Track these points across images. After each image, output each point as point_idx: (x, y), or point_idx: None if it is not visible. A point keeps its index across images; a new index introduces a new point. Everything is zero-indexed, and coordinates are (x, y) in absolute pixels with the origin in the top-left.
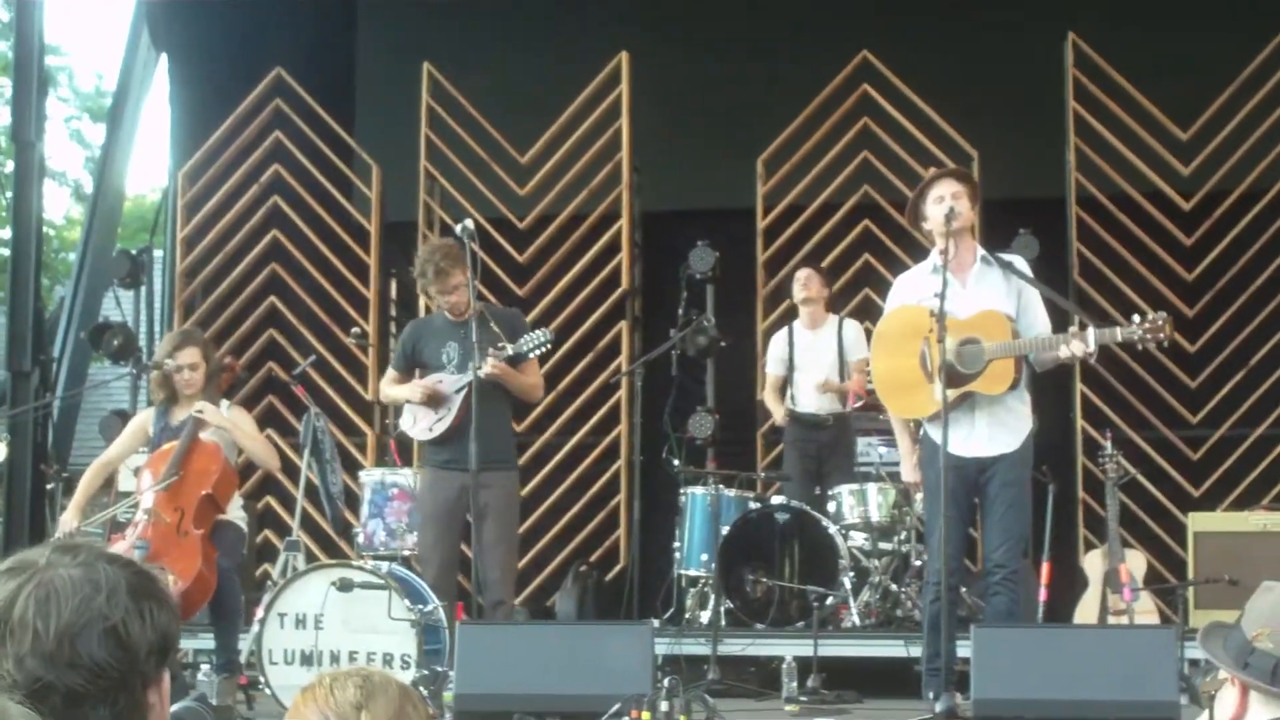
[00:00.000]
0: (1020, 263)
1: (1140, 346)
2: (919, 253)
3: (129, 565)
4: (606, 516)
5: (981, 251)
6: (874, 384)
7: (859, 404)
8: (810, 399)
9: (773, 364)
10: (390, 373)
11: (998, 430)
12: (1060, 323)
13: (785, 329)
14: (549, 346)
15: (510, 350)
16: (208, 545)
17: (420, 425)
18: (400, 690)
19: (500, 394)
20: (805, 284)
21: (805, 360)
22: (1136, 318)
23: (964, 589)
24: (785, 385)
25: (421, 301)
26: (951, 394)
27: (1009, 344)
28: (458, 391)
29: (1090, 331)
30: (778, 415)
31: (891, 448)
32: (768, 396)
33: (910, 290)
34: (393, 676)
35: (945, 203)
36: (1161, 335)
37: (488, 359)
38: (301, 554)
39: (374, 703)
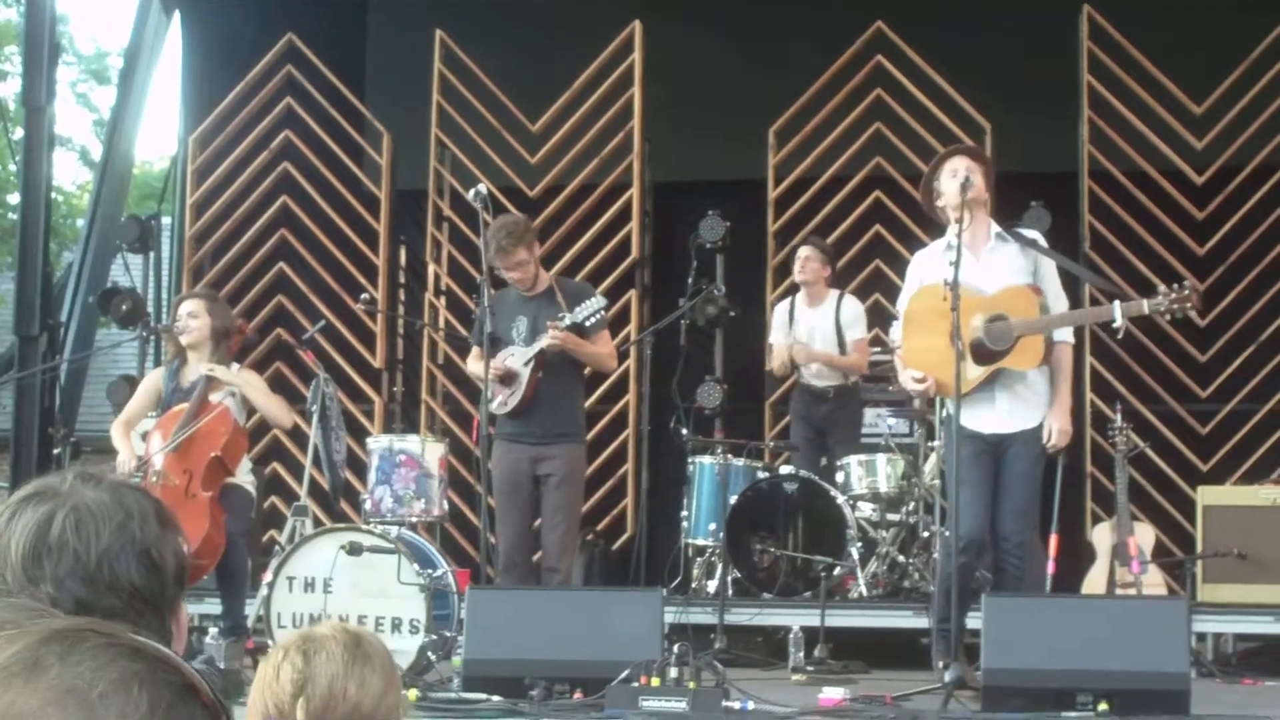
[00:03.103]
0: (1039, 239)
1: (1169, 316)
2: (929, 225)
3: (149, 494)
4: (614, 485)
5: (996, 229)
6: (909, 364)
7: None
8: (812, 371)
9: (774, 332)
10: (474, 349)
11: (1017, 406)
12: (1074, 296)
13: (788, 300)
14: (603, 312)
15: (568, 320)
16: (216, 508)
17: (496, 400)
18: (349, 668)
19: (569, 367)
20: (803, 266)
21: (804, 335)
22: (1163, 288)
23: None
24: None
25: (431, 270)
26: (983, 371)
27: (1037, 320)
28: (525, 364)
29: (1117, 305)
30: (775, 363)
31: (900, 419)
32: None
33: (927, 267)
34: (347, 646)
35: (960, 174)
36: (1189, 304)
37: (547, 332)
38: (309, 519)
39: (312, 685)
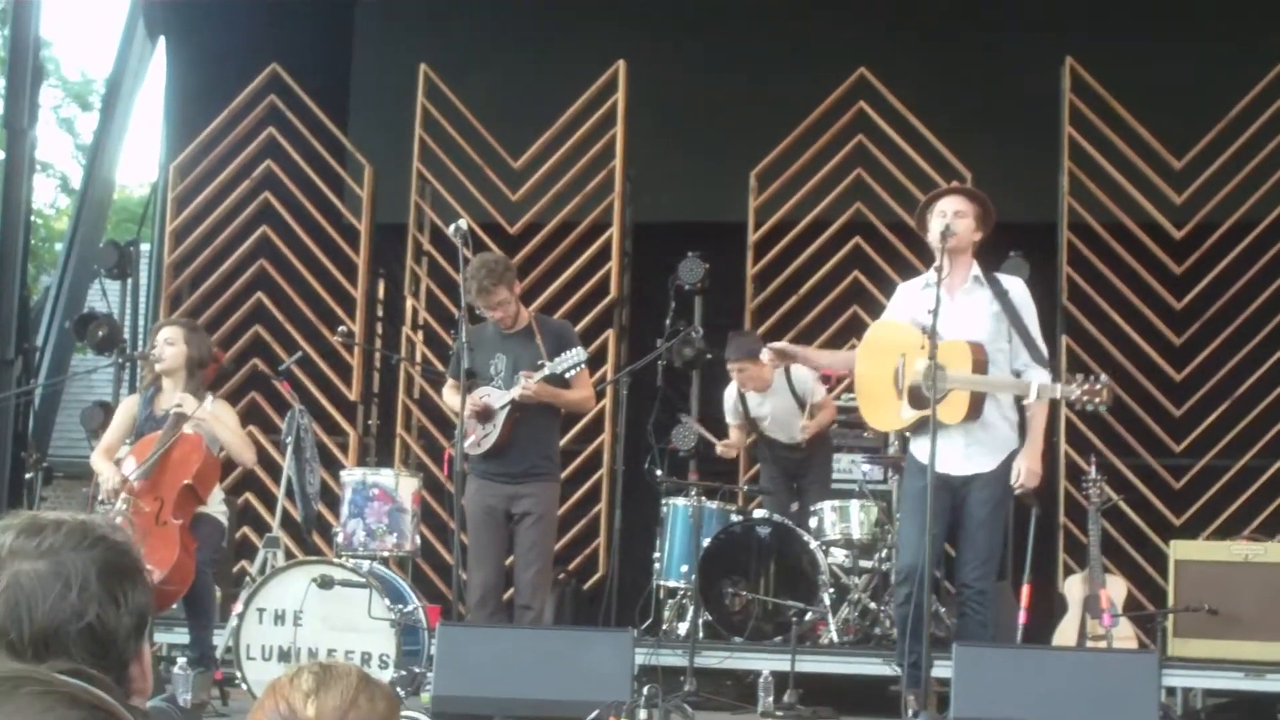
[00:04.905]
0: (1017, 290)
1: (1078, 406)
2: (909, 272)
3: (98, 543)
4: (587, 525)
5: (975, 271)
6: (857, 388)
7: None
8: (780, 432)
9: (729, 416)
10: (450, 380)
11: (974, 449)
12: (1053, 349)
13: (733, 388)
14: (583, 365)
15: (547, 370)
16: (186, 536)
17: (470, 440)
18: (360, 683)
19: (546, 407)
20: (741, 379)
21: (763, 414)
22: (1079, 377)
23: (942, 609)
24: (752, 428)
25: (409, 304)
26: (914, 415)
27: (968, 378)
28: (502, 408)
29: (1034, 385)
30: (726, 447)
31: (874, 465)
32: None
33: (904, 301)
34: (359, 670)
35: (945, 219)
36: (1099, 398)
37: (521, 382)
38: (281, 551)
39: (324, 692)
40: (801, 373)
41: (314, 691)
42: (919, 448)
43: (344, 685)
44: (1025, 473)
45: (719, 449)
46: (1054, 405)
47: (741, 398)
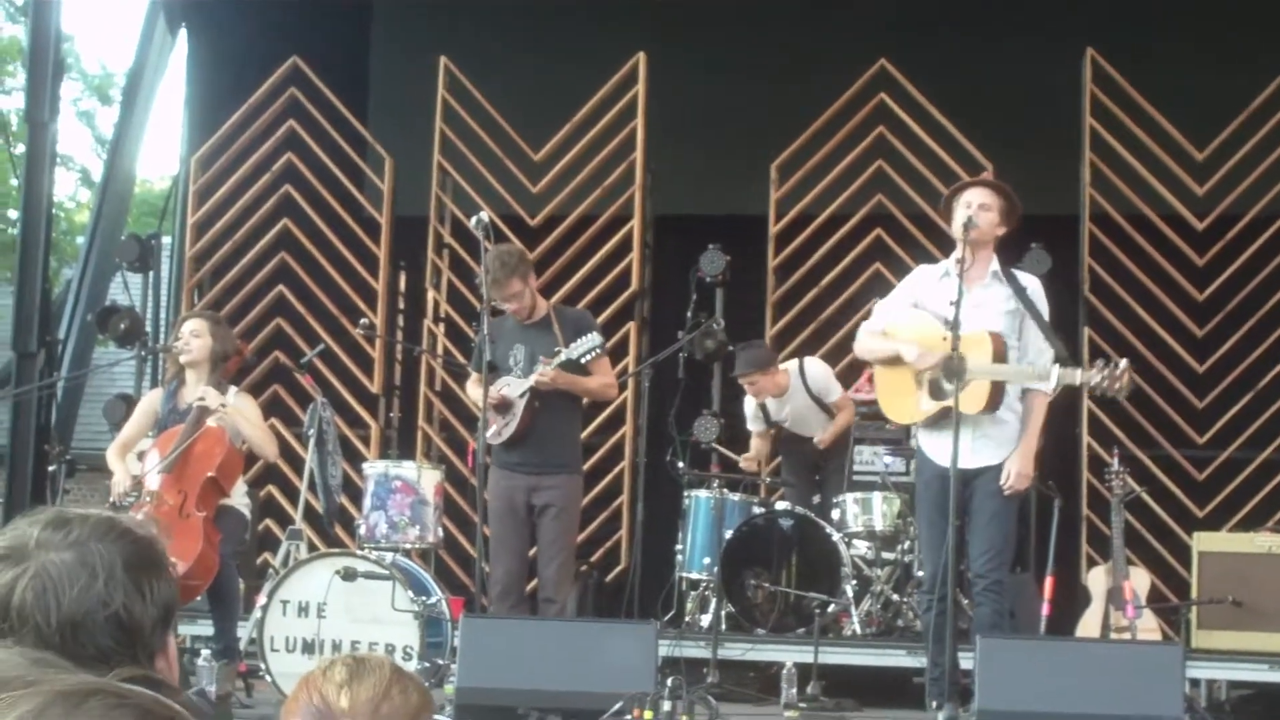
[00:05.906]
0: (1034, 288)
1: (1099, 393)
2: (929, 263)
3: (123, 536)
4: (609, 517)
5: (995, 266)
6: (877, 375)
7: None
8: (802, 428)
9: (752, 424)
10: (472, 374)
11: (982, 443)
12: (1072, 348)
13: (751, 398)
14: (600, 351)
15: (563, 355)
16: (210, 528)
17: (491, 429)
18: (393, 675)
19: (567, 397)
20: (753, 389)
21: (784, 417)
22: (1100, 362)
23: (965, 601)
24: (777, 432)
25: (430, 296)
26: (934, 406)
27: (989, 368)
28: (521, 397)
29: (1055, 370)
30: (750, 460)
31: (896, 457)
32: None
33: (920, 287)
34: (392, 663)
35: (970, 210)
36: (1119, 385)
37: (538, 368)
38: (304, 543)
39: (358, 684)
40: (816, 371)
41: (347, 683)
42: (926, 441)
43: (377, 677)
44: (1015, 475)
45: (741, 464)
46: (1076, 397)
47: (761, 406)
